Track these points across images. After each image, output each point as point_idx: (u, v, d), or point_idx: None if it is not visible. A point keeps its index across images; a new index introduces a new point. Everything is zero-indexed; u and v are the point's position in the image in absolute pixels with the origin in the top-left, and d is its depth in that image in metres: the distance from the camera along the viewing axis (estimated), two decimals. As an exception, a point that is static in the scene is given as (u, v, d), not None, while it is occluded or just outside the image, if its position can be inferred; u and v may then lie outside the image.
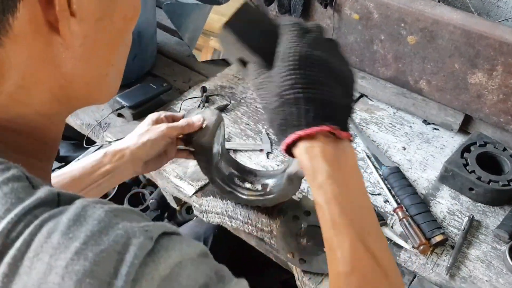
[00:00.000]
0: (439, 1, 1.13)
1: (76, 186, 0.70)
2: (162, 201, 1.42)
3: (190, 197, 0.91)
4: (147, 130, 0.75)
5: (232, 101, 1.12)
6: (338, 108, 0.50)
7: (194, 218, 1.06)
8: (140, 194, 1.49)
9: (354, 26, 1.07)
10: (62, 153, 1.64)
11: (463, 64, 0.95)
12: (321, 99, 0.48)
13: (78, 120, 1.08)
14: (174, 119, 0.79)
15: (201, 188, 0.92)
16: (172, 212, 1.43)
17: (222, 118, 0.80)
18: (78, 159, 1.48)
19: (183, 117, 0.79)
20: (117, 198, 1.45)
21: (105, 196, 1.48)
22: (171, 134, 0.75)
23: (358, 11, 1.04)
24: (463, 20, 0.92)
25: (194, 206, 0.91)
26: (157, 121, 0.77)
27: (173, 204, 1.05)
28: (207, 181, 0.93)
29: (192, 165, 0.97)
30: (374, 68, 1.10)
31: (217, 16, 1.29)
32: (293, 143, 0.50)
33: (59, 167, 1.29)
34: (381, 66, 1.08)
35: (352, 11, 1.05)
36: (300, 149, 0.50)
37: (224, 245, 1.06)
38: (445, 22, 0.92)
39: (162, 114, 0.79)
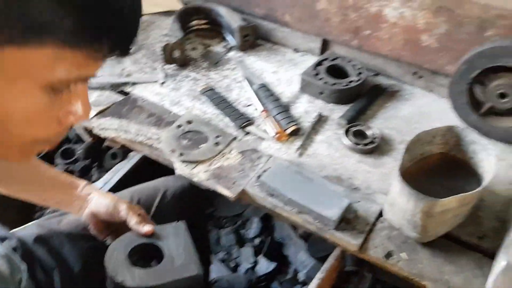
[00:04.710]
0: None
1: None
2: (91, 151, 1.60)
3: (91, 119, 1.09)
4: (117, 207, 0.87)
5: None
6: None
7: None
8: (70, 149, 1.66)
9: (226, -29, 1.27)
10: None
11: (309, -8, 1.17)
12: None
13: None
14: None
15: (101, 112, 1.10)
16: (100, 161, 1.61)
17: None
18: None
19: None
20: (49, 153, 1.61)
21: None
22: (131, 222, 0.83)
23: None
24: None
25: (93, 127, 1.09)
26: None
27: (86, 138, 1.22)
28: (107, 106, 1.12)
29: (95, 95, 1.15)
30: (251, 8, 1.30)
31: None
32: None
33: None
34: (254, 6, 1.29)
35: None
36: None
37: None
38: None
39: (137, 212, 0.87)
